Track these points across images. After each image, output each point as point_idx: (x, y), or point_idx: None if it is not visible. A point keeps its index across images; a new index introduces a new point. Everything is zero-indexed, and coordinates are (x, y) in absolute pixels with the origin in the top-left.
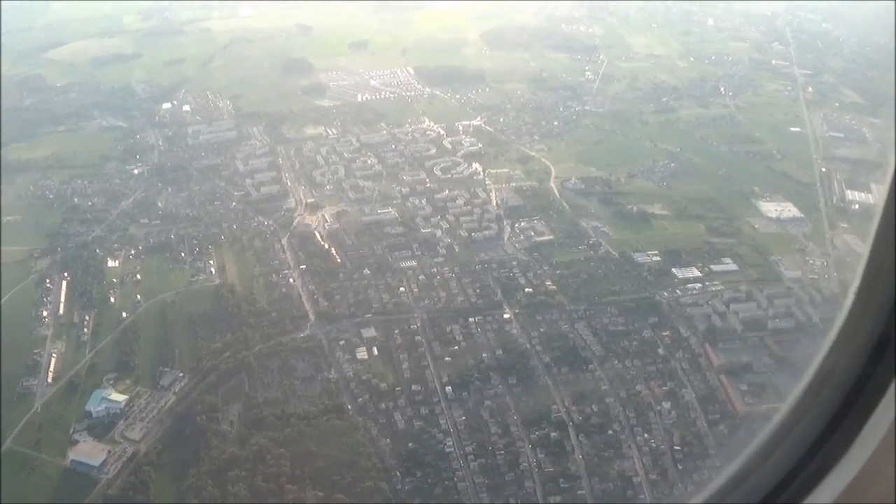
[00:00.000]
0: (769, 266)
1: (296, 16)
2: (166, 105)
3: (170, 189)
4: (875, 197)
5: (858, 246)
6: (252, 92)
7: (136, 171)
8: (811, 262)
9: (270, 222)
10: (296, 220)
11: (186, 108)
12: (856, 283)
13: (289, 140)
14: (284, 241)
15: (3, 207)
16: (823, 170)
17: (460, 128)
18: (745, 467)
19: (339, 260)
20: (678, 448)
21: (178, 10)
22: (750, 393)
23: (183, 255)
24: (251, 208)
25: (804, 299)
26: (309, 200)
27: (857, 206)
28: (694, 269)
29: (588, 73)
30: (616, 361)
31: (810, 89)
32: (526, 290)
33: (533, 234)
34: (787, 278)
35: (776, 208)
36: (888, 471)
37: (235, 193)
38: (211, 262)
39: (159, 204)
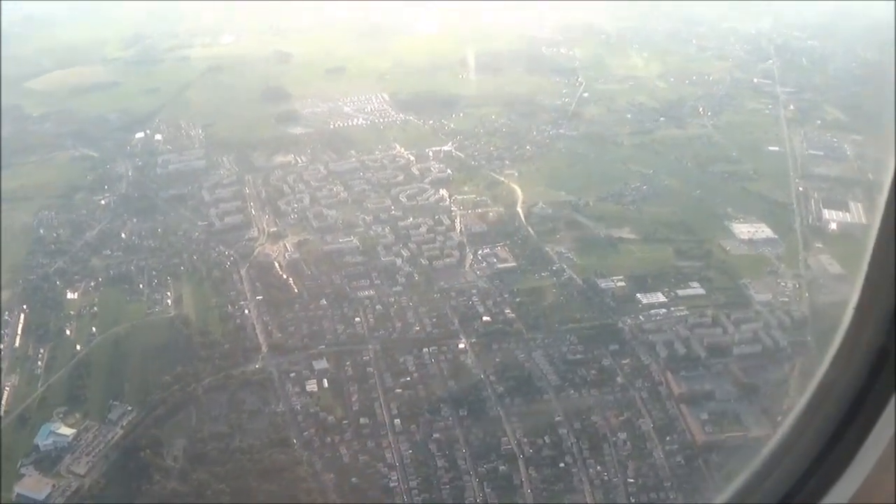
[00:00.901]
0: (738, 289)
1: (276, 43)
2: (139, 134)
3: (135, 220)
4: (852, 216)
5: (833, 266)
6: (225, 120)
7: (102, 202)
8: (783, 284)
9: (231, 252)
10: (256, 250)
11: (158, 137)
12: (855, 296)
13: (258, 169)
14: (243, 271)
15: None
16: (801, 189)
17: (430, 154)
18: (746, 484)
19: (296, 290)
20: (632, 481)
21: (160, 38)
22: (710, 422)
23: (142, 286)
24: (213, 238)
25: (772, 323)
26: (272, 230)
27: (833, 226)
28: (659, 294)
29: (565, 96)
30: (572, 391)
31: (792, 107)
32: (484, 318)
33: (495, 260)
34: (756, 302)
35: (749, 230)
36: (889, 483)
37: (199, 223)
38: (168, 293)
39: (123, 235)
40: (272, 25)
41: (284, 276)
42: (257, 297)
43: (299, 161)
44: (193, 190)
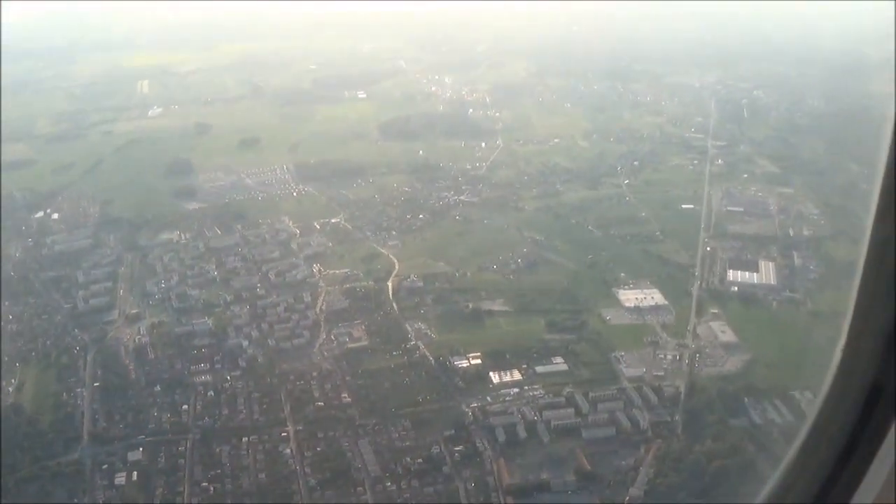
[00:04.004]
0: (607, 364)
1: (201, 115)
2: (38, 214)
3: (7, 303)
4: (760, 276)
5: (725, 334)
6: (125, 197)
7: None
8: (661, 356)
9: (85, 337)
10: (110, 334)
11: (56, 216)
12: (844, 335)
13: (139, 247)
14: (90, 356)
15: None
16: (708, 249)
17: (317, 226)
18: None
19: (134, 376)
20: None
21: (90, 113)
22: None
23: None
24: (73, 322)
25: (635, 402)
26: (132, 312)
27: (735, 289)
28: (516, 371)
29: (477, 160)
30: (390, 483)
31: (720, 161)
32: (317, 404)
33: (348, 340)
34: (624, 377)
35: (637, 296)
36: None
37: (65, 306)
38: (14, 380)
39: None
40: (201, 96)
41: (127, 362)
42: (95, 384)
43: (182, 238)
44: (70, 271)
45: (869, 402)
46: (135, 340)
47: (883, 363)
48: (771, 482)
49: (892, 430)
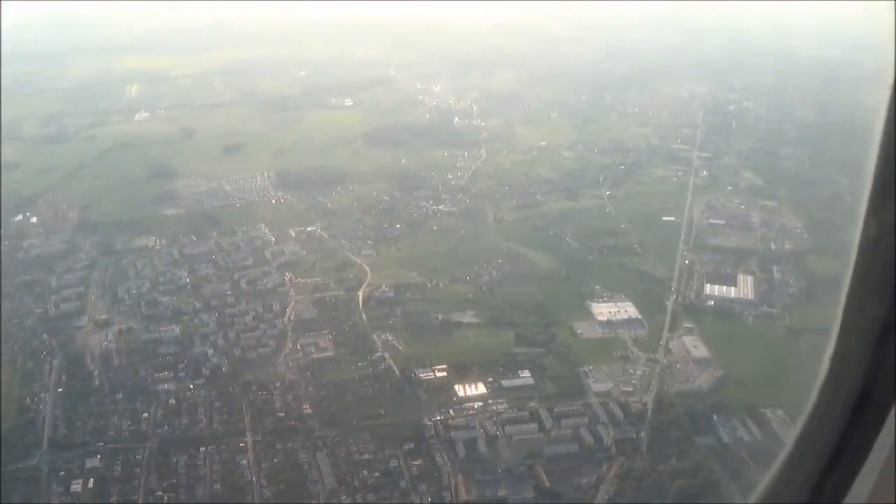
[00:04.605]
0: (575, 378)
1: (187, 120)
2: (18, 217)
3: None
4: (738, 290)
5: (698, 349)
6: (104, 202)
7: None
8: (631, 371)
9: (53, 342)
10: (78, 340)
11: (34, 220)
12: (832, 344)
13: (114, 252)
14: (56, 362)
15: None
16: (687, 262)
17: (292, 234)
18: None
19: (98, 383)
20: None
21: (79, 116)
22: None
23: None
24: (43, 326)
25: (601, 418)
26: (102, 318)
27: (712, 303)
28: (481, 385)
29: (459, 169)
30: (345, 496)
31: (704, 174)
32: (278, 414)
33: (314, 350)
34: (592, 392)
35: (611, 310)
36: None
37: (36, 311)
38: None
39: None
40: (189, 101)
41: (93, 368)
42: (59, 390)
43: (158, 244)
44: (44, 276)
45: (857, 411)
46: (102, 346)
47: (870, 371)
48: (759, 490)
49: (880, 437)
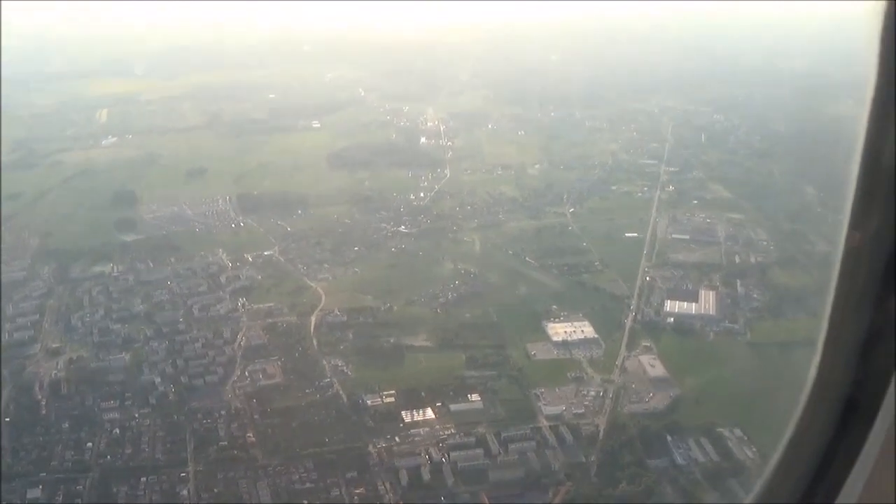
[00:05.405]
0: (526, 401)
1: (153, 145)
2: None
3: None
4: (699, 306)
5: (655, 368)
6: (66, 228)
7: None
8: (584, 392)
9: (5, 371)
10: (28, 369)
11: None
12: (819, 350)
13: (71, 280)
14: (6, 391)
15: None
16: (648, 279)
17: (249, 259)
18: None
19: (45, 412)
20: None
21: (47, 141)
22: None
23: None
24: None
25: (550, 442)
26: (54, 346)
27: (672, 320)
28: (429, 410)
29: (423, 190)
30: None
31: (671, 188)
32: (221, 443)
33: (261, 377)
34: (543, 415)
35: (567, 330)
36: None
37: None
38: None
39: None
40: (157, 126)
41: (41, 397)
42: (6, 419)
43: (115, 271)
44: (1, 304)
45: (845, 417)
46: (51, 375)
47: (857, 377)
48: (750, 496)
49: (867, 444)
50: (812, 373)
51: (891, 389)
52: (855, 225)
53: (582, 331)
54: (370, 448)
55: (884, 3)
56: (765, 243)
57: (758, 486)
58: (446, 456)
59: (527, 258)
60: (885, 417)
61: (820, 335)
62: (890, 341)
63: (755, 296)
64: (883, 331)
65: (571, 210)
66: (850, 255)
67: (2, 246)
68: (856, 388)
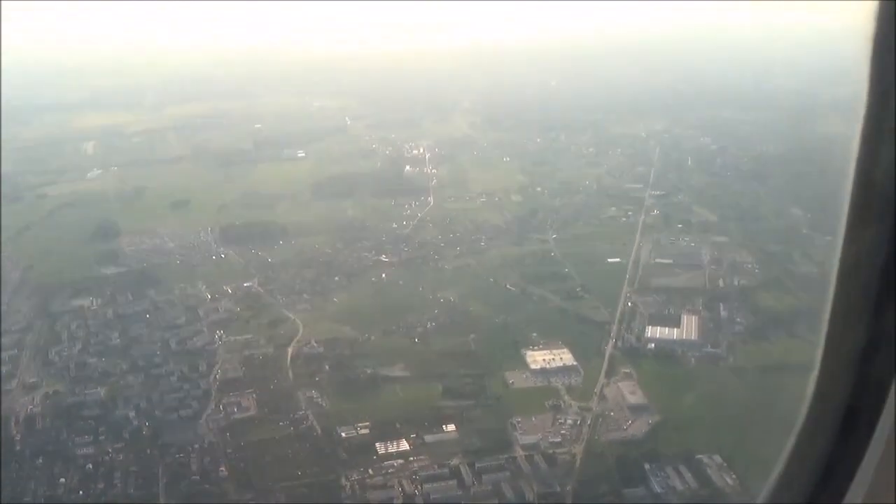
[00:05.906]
0: (502, 431)
1: (138, 177)
2: None
3: None
4: (682, 331)
5: (634, 395)
6: (47, 262)
7: None
8: (561, 421)
9: None
10: (5, 404)
11: None
12: (818, 362)
13: (51, 313)
14: None
15: None
16: (629, 305)
17: (229, 291)
18: None
19: (19, 448)
20: None
21: (32, 175)
22: None
23: None
24: None
25: (524, 472)
26: (31, 381)
27: (653, 346)
28: (404, 441)
29: (405, 218)
30: None
31: (655, 212)
32: (193, 478)
33: (236, 410)
34: (519, 445)
35: (546, 357)
36: None
37: None
38: None
39: None
40: (142, 158)
41: (15, 433)
42: None
43: (94, 304)
44: None
45: (846, 425)
46: (27, 410)
47: (857, 385)
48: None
49: (868, 451)
50: (812, 382)
51: (890, 397)
52: (851, 236)
53: (561, 358)
54: (342, 481)
55: (877, 3)
56: (749, 266)
57: (761, 495)
58: (419, 488)
59: (508, 286)
60: (885, 425)
61: (819, 345)
62: (888, 350)
63: (738, 319)
64: (881, 340)
65: (554, 236)
66: (846, 274)
67: None
68: (856, 396)
